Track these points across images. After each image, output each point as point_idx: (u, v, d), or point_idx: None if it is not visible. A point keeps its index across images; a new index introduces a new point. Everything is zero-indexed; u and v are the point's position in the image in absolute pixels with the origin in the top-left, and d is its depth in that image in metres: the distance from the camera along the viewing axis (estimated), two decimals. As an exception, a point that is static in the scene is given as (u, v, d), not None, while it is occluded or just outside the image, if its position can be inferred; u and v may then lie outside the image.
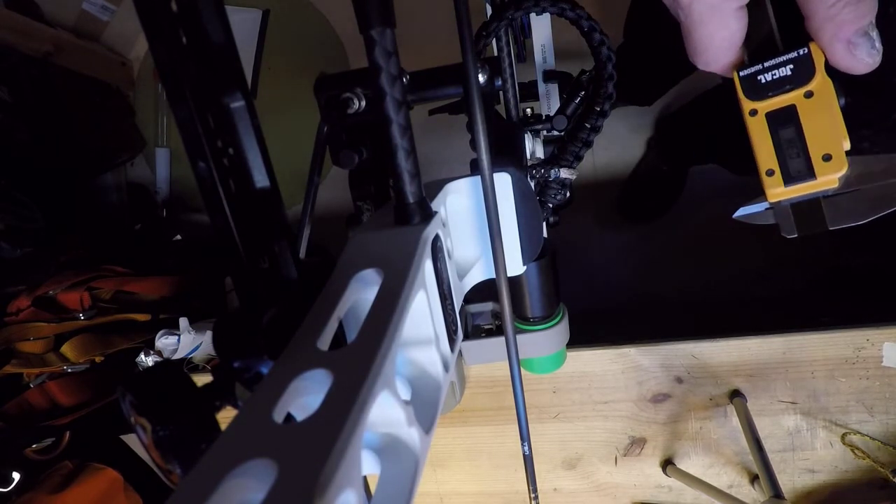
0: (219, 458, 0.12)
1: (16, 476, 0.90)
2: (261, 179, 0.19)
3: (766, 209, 0.30)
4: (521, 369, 0.34)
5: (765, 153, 0.28)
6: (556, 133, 0.40)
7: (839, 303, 1.04)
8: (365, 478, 0.19)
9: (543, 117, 0.40)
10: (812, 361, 0.61)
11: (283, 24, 1.38)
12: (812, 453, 0.63)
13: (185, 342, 0.92)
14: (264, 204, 0.19)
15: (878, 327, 0.59)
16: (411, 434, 0.17)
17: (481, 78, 0.33)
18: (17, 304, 1.02)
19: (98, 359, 1.01)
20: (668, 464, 0.67)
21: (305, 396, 0.15)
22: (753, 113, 0.28)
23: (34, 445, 0.96)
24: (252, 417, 0.14)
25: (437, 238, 0.23)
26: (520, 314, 0.43)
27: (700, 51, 0.27)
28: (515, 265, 0.30)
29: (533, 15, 0.54)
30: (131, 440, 1.04)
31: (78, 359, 0.98)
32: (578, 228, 1.25)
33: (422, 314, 0.21)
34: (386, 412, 0.16)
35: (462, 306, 0.34)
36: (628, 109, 1.16)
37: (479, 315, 0.49)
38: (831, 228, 0.29)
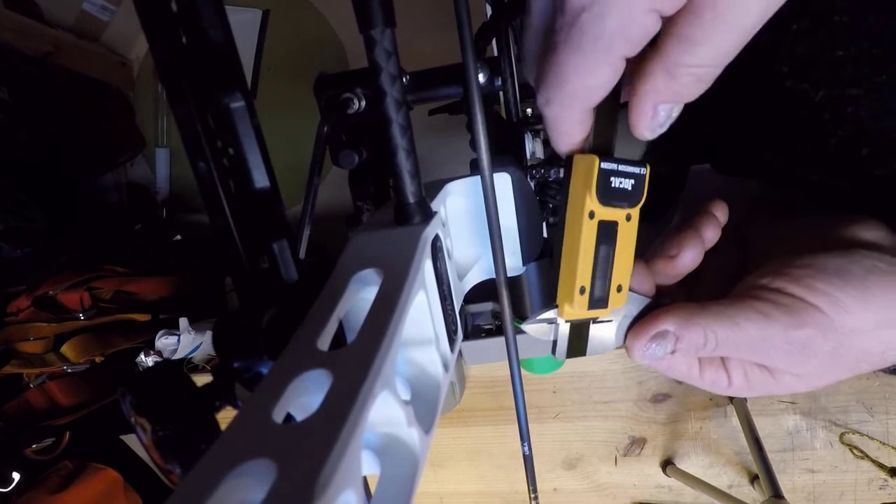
0: (219, 458, 0.12)
1: (16, 476, 0.90)
2: (261, 179, 0.19)
3: (550, 323, 0.27)
4: (521, 369, 0.34)
5: (586, 267, 0.25)
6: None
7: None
8: (365, 478, 0.19)
9: (543, 117, 0.40)
10: (812, 361, 0.61)
11: (283, 24, 1.38)
12: (812, 453, 0.64)
13: (185, 342, 0.92)
14: (264, 204, 0.19)
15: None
16: (411, 434, 0.17)
17: (481, 78, 0.33)
18: (17, 304, 1.02)
19: (98, 359, 1.01)
20: (668, 464, 0.67)
21: (305, 396, 0.15)
22: (592, 216, 0.24)
23: (34, 445, 0.96)
24: (252, 417, 0.14)
25: (437, 238, 0.23)
26: (520, 314, 0.43)
27: (558, 84, 0.21)
28: (515, 265, 0.30)
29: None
30: (131, 440, 1.04)
31: (78, 359, 0.98)
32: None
33: (422, 314, 0.21)
34: (386, 412, 0.16)
35: (462, 306, 0.34)
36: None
37: (479, 315, 0.49)
38: (587, 356, 0.28)
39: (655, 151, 1.18)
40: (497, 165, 0.26)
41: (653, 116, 0.22)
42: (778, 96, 0.33)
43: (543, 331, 0.27)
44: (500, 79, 0.34)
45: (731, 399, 0.63)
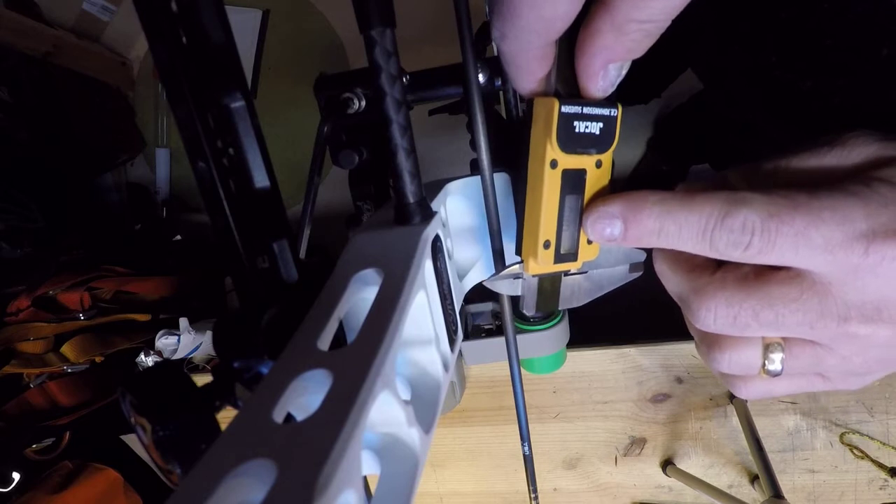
0: (219, 458, 0.12)
1: (16, 476, 0.90)
2: (261, 179, 0.19)
3: (517, 278, 0.26)
4: (521, 369, 0.34)
5: (549, 220, 0.23)
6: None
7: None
8: (365, 478, 0.19)
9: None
10: (812, 361, 0.61)
11: (283, 24, 1.38)
12: (812, 453, 0.63)
13: (185, 342, 0.92)
14: (264, 204, 0.19)
15: (878, 327, 0.59)
16: (411, 434, 0.17)
17: (481, 78, 0.33)
18: (17, 304, 1.02)
19: (98, 359, 1.01)
20: (668, 464, 0.67)
21: (305, 396, 0.15)
22: (554, 164, 0.22)
23: (34, 445, 0.96)
24: (252, 417, 0.14)
25: (437, 238, 0.23)
26: (520, 314, 0.43)
27: (512, 16, 0.19)
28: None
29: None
30: (131, 440, 1.04)
31: (78, 359, 0.98)
32: (578, 228, 1.25)
33: (422, 314, 0.21)
34: (386, 412, 0.16)
35: (462, 306, 0.34)
36: (628, 109, 1.16)
37: (479, 315, 0.49)
38: (560, 308, 0.27)
39: (655, 150, 1.18)
40: (497, 165, 0.26)
41: (604, 76, 0.21)
42: (767, 88, 0.33)
43: (510, 285, 0.26)
44: (500, 79, 0.34)
45: (731, 399, 0.63)
